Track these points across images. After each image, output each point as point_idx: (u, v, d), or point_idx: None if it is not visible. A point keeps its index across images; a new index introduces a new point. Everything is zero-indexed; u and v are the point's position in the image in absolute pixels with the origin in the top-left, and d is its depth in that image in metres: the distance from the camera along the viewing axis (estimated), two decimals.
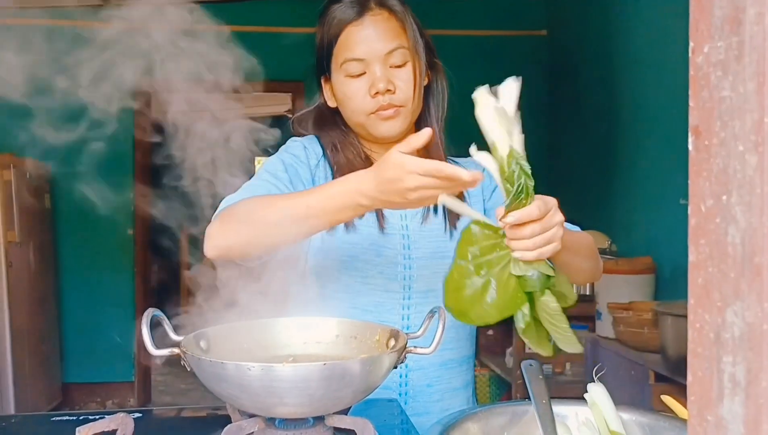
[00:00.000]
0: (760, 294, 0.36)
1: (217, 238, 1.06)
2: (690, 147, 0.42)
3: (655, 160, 3.37)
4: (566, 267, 1.04)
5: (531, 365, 1.00)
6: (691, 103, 0.42)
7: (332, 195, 0.96)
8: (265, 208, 1.03)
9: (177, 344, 0.93)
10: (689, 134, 0.42)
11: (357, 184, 0.94)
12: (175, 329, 0.97)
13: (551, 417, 0.95)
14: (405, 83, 1.21)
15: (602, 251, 3.65)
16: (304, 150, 1.27)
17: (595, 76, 4.20)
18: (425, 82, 1.28)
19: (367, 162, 1.26)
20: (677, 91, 2.89)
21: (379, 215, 1.24)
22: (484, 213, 1.31)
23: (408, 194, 0.88)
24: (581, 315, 3.55)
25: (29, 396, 4.17)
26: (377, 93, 1.19)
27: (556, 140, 4.82)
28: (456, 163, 1.33)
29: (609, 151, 3.94)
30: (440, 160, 1.27)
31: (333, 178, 1.25)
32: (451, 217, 1.28)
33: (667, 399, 1.07)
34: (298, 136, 1.32)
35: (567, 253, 0.99)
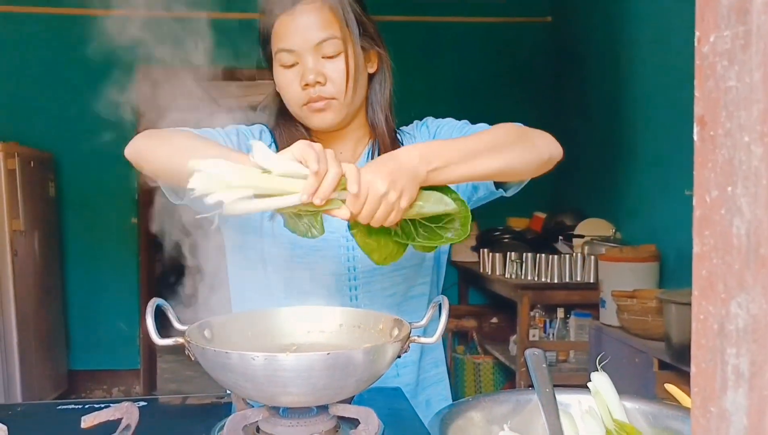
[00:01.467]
0: (765, 286, 0.36)
1: (132, 144, 1.09)
2: (695, 137, 0.41)
3: (659, 148, 3.35)
4: (475, 175, 1.03)
5: (535, 354, 1.00)
6: (696, 94, 0.41)
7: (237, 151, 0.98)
8: (180, 137, 1.06)
9: (181, 334, 0.93)
10: (695, 125, 0.41)
11: None
12: (179, 318, 0.97)
13: (554, 405, 0.95)
14: (337, 74, 1.18)
15: (606, 239, 3.65)
16: (260, 133, 1.28)
17: (601, 64, 4.18)
18: (373, 70, 1.26)
19: None
20: (683, 79, 2.88)
21: None
22: None
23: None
24: (585, 303, 3.55)
25: (35, 384, 4.20)
26: (307, 85, 1.17)
27: (560, 128, 4.79)
28: (403, 133, 1.35)
29: (614, 138, 3.92)
30: (389, 142, 1.29)
31: None
32: None
33: (671, 388, 1.07)
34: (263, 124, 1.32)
35: (460, 167, 0.99)
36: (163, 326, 0.95)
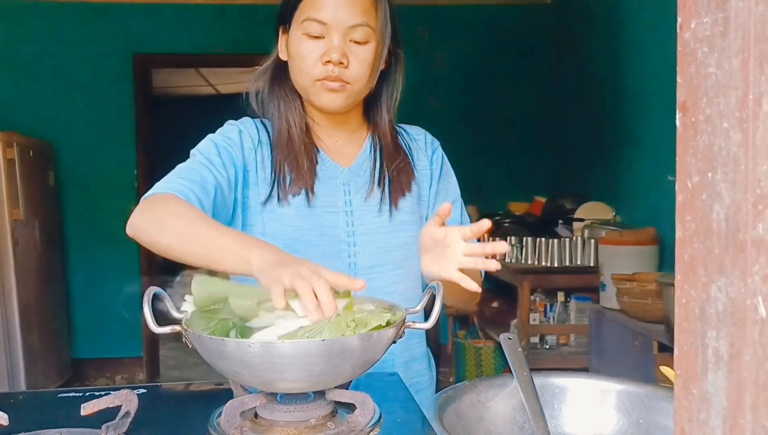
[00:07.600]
0: (744, 270, 0.36)
1: (134, 227, 1.12)
2: (678, 123, 0.42)
3: (659, 132, 3.35)
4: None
5: (509, 338, 1.01)
6: (678, 80, 0.42)
7: (233, 243, 1.00)
8: (176, 223, 1.06)
9: (179, 321, 0.94)
10: (677, 111, 0.42)
11: (259, 250, 0.96)
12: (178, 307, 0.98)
13: (532, 387, 0.96)
14: (360, 62, 1.19)
15: (606, 222, 3.65)
16: (239, 134, 1.25)
17: (600, 47, 4.16)
18: (382, 68, 1.26)
19: (306, 135, 1.26)
20: None
21: (309, 193, 1.23)
22: (429, 203, 1.34)
23: (299, 269, 0.88)
24: (585, 286, 3.56)
25: (39, 372, 4.23)
26: (329, 62, 1.17)
27: (561, 111, 4.79)
28: (403, 130, 1.36)
29: (614, 122, 3.92)
30: (392, 144, 1.30)
31: (272, 161, 1.24)
32: (394, 192, 1.28)
33: (665, 369, 1.08)
34: (256, 93, 1.30)
35: None
36: (165, 314, 0.96)
